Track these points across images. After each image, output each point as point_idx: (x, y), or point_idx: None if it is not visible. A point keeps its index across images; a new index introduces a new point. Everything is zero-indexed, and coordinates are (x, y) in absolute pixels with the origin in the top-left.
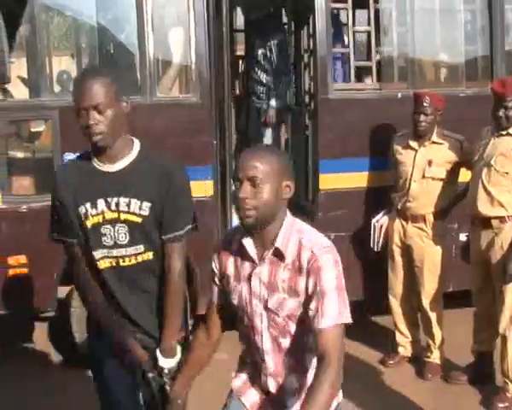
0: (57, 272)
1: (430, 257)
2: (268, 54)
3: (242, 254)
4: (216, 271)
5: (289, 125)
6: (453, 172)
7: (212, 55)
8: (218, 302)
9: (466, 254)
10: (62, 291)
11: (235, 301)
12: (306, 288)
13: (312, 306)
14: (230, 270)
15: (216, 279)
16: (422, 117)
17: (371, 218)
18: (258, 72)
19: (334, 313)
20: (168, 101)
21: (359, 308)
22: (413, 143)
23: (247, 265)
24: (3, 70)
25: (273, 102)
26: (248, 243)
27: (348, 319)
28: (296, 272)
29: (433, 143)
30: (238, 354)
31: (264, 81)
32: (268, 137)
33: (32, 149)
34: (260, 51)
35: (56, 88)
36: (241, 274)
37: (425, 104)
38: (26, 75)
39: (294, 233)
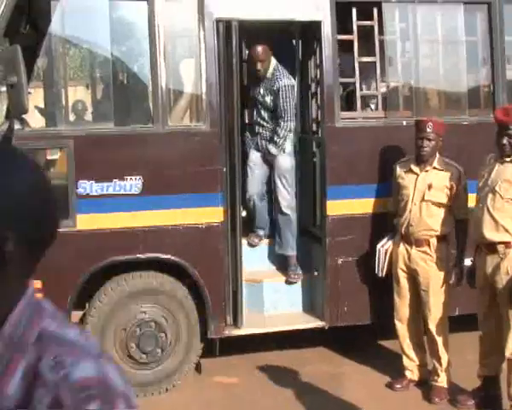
0: (71, 297)
1: (435, 281)
2: (270, 97)
3: None
4: None
5: (297, 152)
6: (451, 199)
7: (222, 85)
8: None
9: (471, 278)
10: (75, 317)
11: None
12: None
13: None
14: None
15: None
16: (426, 142)
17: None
18: (262, 111)
19: None
20: (180, 130)
21: (367, 332)
22: (415, 168)
23: None
24: (23, 101)
25: (272, 149)
26: None
27: None
28: None
29: (434, 168)
30: (248, 379)
31: (265, 123)
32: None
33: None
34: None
35: (72, 117)
36: None
37: (428, 130)
38: (42, 105)
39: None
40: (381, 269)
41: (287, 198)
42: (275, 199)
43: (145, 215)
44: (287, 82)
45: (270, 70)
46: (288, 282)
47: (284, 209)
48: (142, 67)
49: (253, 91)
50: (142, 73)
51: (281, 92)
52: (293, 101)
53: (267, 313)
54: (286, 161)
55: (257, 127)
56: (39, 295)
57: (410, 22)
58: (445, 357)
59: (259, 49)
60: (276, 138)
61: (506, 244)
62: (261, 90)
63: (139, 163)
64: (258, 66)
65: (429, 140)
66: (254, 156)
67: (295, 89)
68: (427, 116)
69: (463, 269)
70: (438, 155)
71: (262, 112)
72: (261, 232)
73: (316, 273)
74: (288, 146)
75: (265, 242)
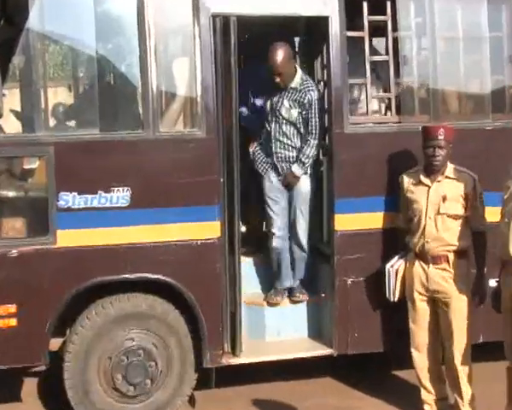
0: (50, 322)
1: (457, 300)
2: (298, 110)
3: None
4: None
5: None
6: (467, 209)
7: (220, 86)
8: None
9: (496, 301)
10: (55, 343)
11: None
12: None
13: None
14: None
15: None
16: (438, 151)
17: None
18: (284, 126)
19: None
20: (172, 136)
21: (380, 361)
22: (425, 180)
23: None
24: None
25: (298, 171)
26: None
27: None
28: None
29: (447, 177)
30: None
31: (287, 141)
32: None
33: (25, 189)
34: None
35: (52, 122)
36: None
37: (440, 137)
38: (19, 108)
39: None
40: (392, 293)
41: (306, 232)
42: (293, 233)
43: (134, 231)
44: (318, 95)
45: (297, 79)
46: (292, 302)
47: (304, 245)
48: (130, 67)
49: (269, 102)
50: (131, 73)
51: (313, 106)
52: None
53: (269, 339)
54: (307, 184)
55: (275, 145)
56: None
57: (426, 17)
58: (468, 390)
59: (279, 58)
60: (303, 158)
61: None
62: (285, 102)
63: (127, 173)
64: (277, 79)
65: (441, 148)
66: (274, 183)
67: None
68: (445, 121)
69: (485, 288)
70: (449, 162)
71: (284, 127)
72: (287, 284)
73: (323, 295)
74: (310, 167)
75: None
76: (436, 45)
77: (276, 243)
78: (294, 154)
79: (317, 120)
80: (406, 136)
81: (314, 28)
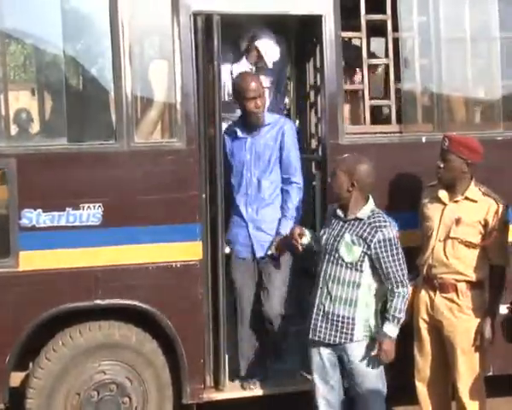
0: (10, 354)
1: (464, 335)
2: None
3: None
4: None
5: None
6: (485, 238)
7: (201, 92)
8: None
9: (508, 329)
10: (16, 379)
11: None
12: None
13: None
14: None
15: None
16: (440, 163)
17: None
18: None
19: None
20: (149, 147)
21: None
22: (443, 196)
23: None
24: None
25: (391, 330)
26: None
27: None
28: None
29: (466, 198)
30: None
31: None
32: None
33: None
34: None
35: (14, 130)
36: None
37: (443, 147)
38: None
39: None
40: None
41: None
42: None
43: (106, 252)
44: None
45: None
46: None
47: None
48: (102, 70)
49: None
50: (103, 76)
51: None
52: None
53: None
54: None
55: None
56: None
57: (431, 16)
58: None
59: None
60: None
61: None
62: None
63: (99, 188)
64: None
65: (446, 161)
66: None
67: None
68: (451, 130)
69: (494, 322)
70: (473, 181)
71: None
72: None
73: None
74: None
75: None
76: (441, 47)
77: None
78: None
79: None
80: (408, 147)
81: (306, 28)
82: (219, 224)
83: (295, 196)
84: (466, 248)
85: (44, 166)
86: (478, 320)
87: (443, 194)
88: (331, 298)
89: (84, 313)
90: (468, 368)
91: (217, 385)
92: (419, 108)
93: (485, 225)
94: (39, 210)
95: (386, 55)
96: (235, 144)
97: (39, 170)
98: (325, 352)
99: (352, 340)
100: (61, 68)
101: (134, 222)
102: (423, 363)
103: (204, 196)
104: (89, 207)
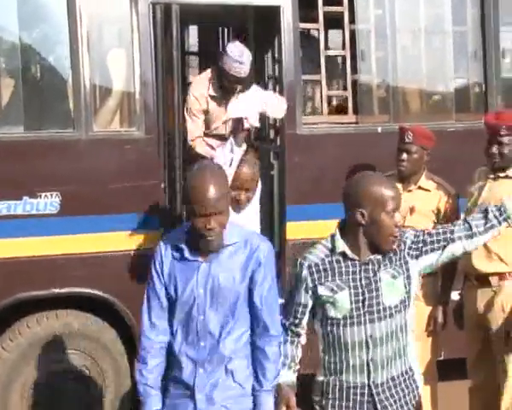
0: None
1: (420, 322)
2: None
3: None
4: None
5: None
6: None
7: (160, 81)
8: None
9: (459, 316)
10: None
11: None
12: None
13: None
14: None
15: None
16: (404, 155)
17: None
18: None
19: None
20: (107, 136)
21: None
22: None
23: None
24: None
25: None
26: None
27: None
28: None
29: (420, 188)
30: None
31: None
32: None
33: None
34: None
35: None
36: None
37: (407, 140)
38: None
39: None
40: None
41: None
42: None
43: (64, 241)
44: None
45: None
46: None
47: None
48: (59, 59)
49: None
50: (61, 65)
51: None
52: None
53: None
54: None
55: None
56: None
57: (386, 9)
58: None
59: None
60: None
61: (500, 276)
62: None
63: (56, 177)
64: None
65: (409, 153)
66: None
67: None
68: (406, 121)
69: (447, 306)
70: (425, 171)
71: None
72: None
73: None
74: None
75: None
76: (397, 40)
77: None
78: None
79: None
80: (364, 137)
81: (265, 19)
82: (178, 212)
83: (275, 357)
84: None
85: (1, 155)
86: (430, 307)
87: (397, 184)
88: (382, 367)
89: (42, 303)
90: (421, 353)
91: None
92: (375, 99)
93: (438, 214)
94: None
95: (343, 47)
96: (179, 268)
97: None
98: None
99: (418, 394)
100: (17, 56)
101: (92, 211)
102: None
103: (163, 185)
104: (46, 195)
